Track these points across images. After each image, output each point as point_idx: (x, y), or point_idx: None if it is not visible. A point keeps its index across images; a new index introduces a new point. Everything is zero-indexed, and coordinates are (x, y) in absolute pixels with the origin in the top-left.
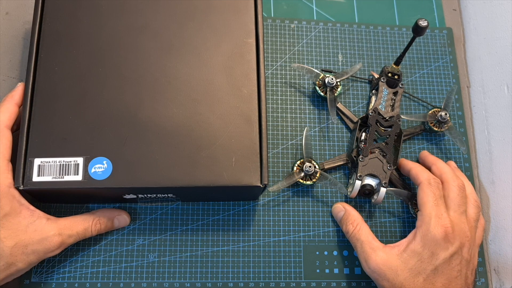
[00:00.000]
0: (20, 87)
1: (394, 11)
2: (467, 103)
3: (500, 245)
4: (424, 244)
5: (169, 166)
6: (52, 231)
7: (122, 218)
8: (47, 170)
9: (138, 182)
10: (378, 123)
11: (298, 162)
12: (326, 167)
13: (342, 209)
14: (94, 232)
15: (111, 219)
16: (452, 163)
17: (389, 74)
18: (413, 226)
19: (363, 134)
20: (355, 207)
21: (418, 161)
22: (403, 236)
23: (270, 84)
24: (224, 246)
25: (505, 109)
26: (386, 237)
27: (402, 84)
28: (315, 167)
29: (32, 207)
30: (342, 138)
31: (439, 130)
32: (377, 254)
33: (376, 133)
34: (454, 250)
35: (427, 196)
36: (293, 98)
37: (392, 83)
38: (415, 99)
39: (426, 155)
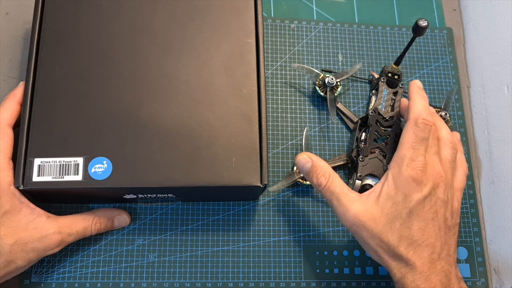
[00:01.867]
0: (22, 86)
1: (394, 11)
2: (467, 103)
3: (500, 245)
4: (396, 187)
5: (169, 166)
6: (52, 229)
7: (122, 218)
8: (47, 170)
9: (138, 182)
10: (378, 123)
11: None
12: None
13: (308, 160)
14: (94, 231)
15: (111, 218)
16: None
17: (389, 74)
18: None
19: (363, 134)
20: None
21: None
22: None
23: (270, 84)
24: (224, 246)
25: (505, 109)
26: None
27: (402, 84)
28: None
29: (32, 205)
30: (342, 138)
31: None
32: (355, 205)
33: (376, 133)
34: (428, 191)
35: (408, 137)
36: (293, 98)
37: (392, 83)
38: None
39: (416, 87)
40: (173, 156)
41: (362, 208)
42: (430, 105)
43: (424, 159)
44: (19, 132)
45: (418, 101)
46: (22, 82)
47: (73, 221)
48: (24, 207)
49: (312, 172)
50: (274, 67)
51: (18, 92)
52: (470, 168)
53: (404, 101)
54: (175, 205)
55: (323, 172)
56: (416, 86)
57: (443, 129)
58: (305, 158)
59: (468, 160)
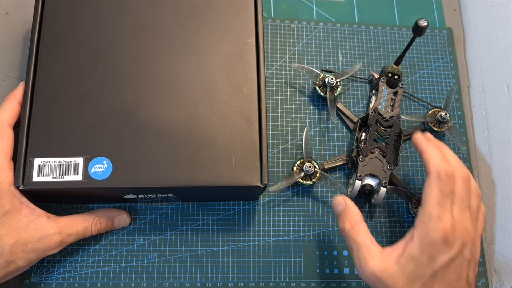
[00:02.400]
0: (22, 86)
1: (394, 11)
2: (467, 103)
3: (500, 245)
4: (422, 248)
5: (169, 166)
6: (52, 230)
7: (122, 218)
8: (47, 170)
9: (138, 182)
10: (378, 123)
11: (298, 162)
12: (326, 167)
13: (342, 203)
14: (94, 231)
15: (111, 219)
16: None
17: (389, 74)
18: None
19: (363, 134)
20: None
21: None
22: (403, 236)
23: (270, 84)
24: (224, 246)
25: (505, 109)
26: (386, 237)
27: (402, 84)
28: (315, 167)
29: (32, 205)
30: (342, 138)
31: (439, 130)
32: (375, 261)
33: (376, 133)
34: (455, 253)
35: (432, 193)
36: (293, 98)
37: (392, 83)
38: (415, 99)
39: (420, 139)
40: (173, 156)
41: (382, 265)
42: (430, 105)
43: (451, 216)
44: (19, 132)
45: (433, 153)
46: (22, 82)
47: (73, 221)
48: (24, 207)
49: (342, 215)
50: (274, 67)
51: (18, 92)
52: (470, 168)
53: (417, 137)
54: (175, 205)
55: (351, 218)
56: (420, 139)
57: (470, 177)
58: (340, 201)
59: (468, 160)
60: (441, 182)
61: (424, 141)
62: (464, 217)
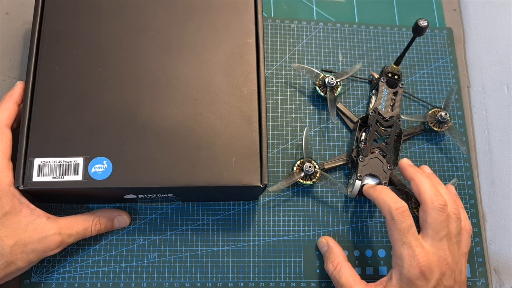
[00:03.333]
0: (19, 86)
1: (394, 11)
2: (467, 103)
3: (500, 245)
4: (401, 286)
5: (169, 166)
6: (52, 230)
7: (122, 219)
8: (47, 170)
9: (138, 182)
10: (378, 123)
11: (298, 162)
12: (326, 167)
13: (325, 244)
14: (94, 232)
15: (111, 219)
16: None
17: (389, 74)
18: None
19: (363, 134)
20: (355, 207)
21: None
22: None
23: (270, 84)
24: (224, 246)
25: (505, 109)
26: (386, 237)
27: (402, 84)
28: (315, 167)
29: (32, 206)
30: (342, 138)
31: (439, 130)
32: None
33: (376, 133)
34: (433, 284)
35: (393, 234)
36: (293, 98)
37: (392, 83)
38: (415, 99)
39: (405, 166)
40: (173, 156)
41: None
42: (430, 105)
43: (422, 249)
44: (19, 132)
45: (385, 195)
46: (19, 81)
47: (73, 222)
48: (24, 208)
49: (325, 257)
50: (274, 67)
51: (15, 92)
52: (470, 168)
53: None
54: (175, 205)
55: (333, 259)
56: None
57: (445, 206)
58: (324, 242)
59: (468, 160)
60: (396, 222)
61: (380, 188)
62: (439, 247)
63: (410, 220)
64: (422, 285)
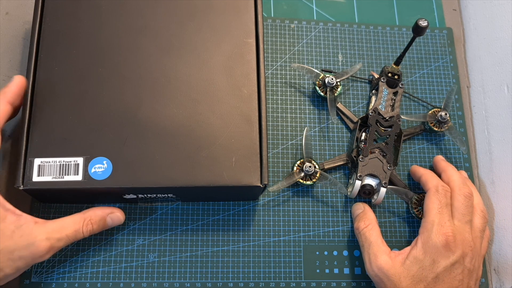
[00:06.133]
0: (14, 83)
1: (394, 11)
2: (467, 103)
3: (500, 245)
4: (425, 251)
5: (169, 166)
6: (39, 236)
7: (115, 216)
8: (47, 170)
9: (138, 182)
10: (378, 123)
11: (298, 162)
12: (326, 167)
13: (361, 207)
14: (86, 233)
15: (103, 218)
16: (463, 172)
17: (389, 74)
18: (413, 226)
19: (363, 134)
20: None
21: (425, 165)
22: (403, 236)
23: (270, 84)
24: (224, 246)
25: (505, 109)
26: (386, 237)
27: (402, 84)
28: (315, 167)
29: (18, 212)
30: (342, 138)
31: (439, 130)
32: (383, 257)
33: (376, 133)
34: (456, 258)
35: (432, 203)
36: (293, 98)
37: (392, 83)
38: (415, 99)
39: (438, 160)
40: (173, 156)
41: (390, 263)
42: (430, 105)
43: (452, 224)
44: (19, 132)
45: (430, 175)
46: (16, 76)
47: (62, 225)
48: (9, 215)
49: (359, 217)
50: (274, 67)
51: (8, 91)
52: (470, 168)
53: (414, 167)
54: (175, 205)
55: (366, 219)
56: (416, 167)
57: (477, 197)
58: (359, 206)
59: (468, 160)
60: (440, 194)
61: (420, 168)
62: (465, 229)
63: (449, 200)
64: (446, 255)
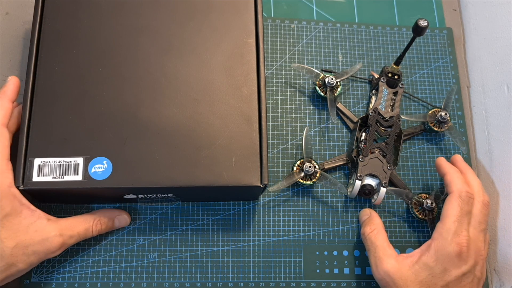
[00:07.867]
0: (11, 82)
1: (394, 11)
2: (467, 103)
3: (500, 245)
4: (437, 259)
5: (169, 166)
6: (53, 232)
7: (122, 218)
8: (47, 170)
9: (138, 182)
10: (378, 123)
11: (298, 162)
12: (326, 167)
13: (368, 213)
14: (95, 232)
15: (111, 219)
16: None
17: (389, 74)
18: (413, 226)
19: (363, 134)
20: (355, 207)
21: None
22: (403, 236)
23: (270, 84)
24: (224, 246)
25: (505, 109)
26: None
27: (402, 84)
28: (315, 167)
29: (33, 207)
30: (342, 138)
31: (439, 130)
32: (389, 261)
33: (376, 133)
34: (468, 268)
35: (453, 209)
36: (293, 98)
37: (392, 83)
38: (415, 99)
39: (457, 159)
40: (173, 156)
41: (396, 266)
42: (430, 105)
43: (468, 234)
44: (19, 132)
45: (456, 175)
46: (10, 77)
47: (74, 223)
48: (24, 209)
49: (365, 222)
50: (274, 67)
51: (8, 89)
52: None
53: (441, 160)
54: (175, 205)
55: (372, 224)
56: (443, 161)
57: (489, 204)
58: (366, 211)
59: (468, 160)
60: (462, 201)
61: (447, 164)
62: (479, 238)
63: (471, 208)
64: (458, 264)
